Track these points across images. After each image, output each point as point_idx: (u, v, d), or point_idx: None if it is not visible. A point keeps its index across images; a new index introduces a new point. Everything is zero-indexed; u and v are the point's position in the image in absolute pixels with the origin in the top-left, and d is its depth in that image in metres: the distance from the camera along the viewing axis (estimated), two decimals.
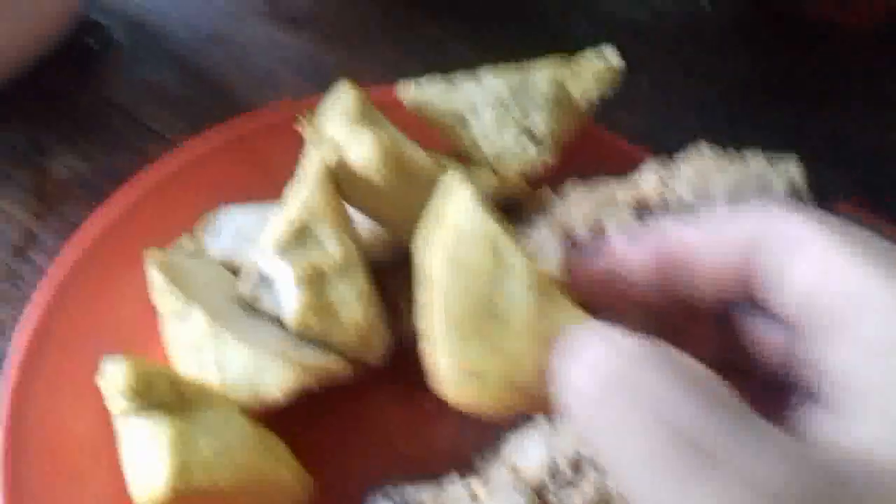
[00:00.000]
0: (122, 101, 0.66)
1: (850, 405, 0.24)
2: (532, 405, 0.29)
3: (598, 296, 0.31)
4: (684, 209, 0.46)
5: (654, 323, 0.32)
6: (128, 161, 0.58)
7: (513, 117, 0.50)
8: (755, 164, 0.48)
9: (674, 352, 0.25)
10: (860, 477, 0.22)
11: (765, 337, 0.31)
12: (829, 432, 0.24)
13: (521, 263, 0.27)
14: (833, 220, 0.27)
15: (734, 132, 0.53)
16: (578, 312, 0.27)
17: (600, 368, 0.25)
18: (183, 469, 0.38)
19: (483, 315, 0.27)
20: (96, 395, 0.41)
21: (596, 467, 0.43)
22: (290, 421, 0.46)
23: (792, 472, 0.22)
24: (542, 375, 0.27)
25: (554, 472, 0.42)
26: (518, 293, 0.27)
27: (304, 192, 0.43)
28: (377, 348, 0.46)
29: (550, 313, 0.27)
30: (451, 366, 0.28)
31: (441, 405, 0.50)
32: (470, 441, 0.49)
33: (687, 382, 0.24)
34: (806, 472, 0.22)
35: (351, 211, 0.47)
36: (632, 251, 0.31)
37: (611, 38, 0.55)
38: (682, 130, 0.52)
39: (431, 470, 0.45)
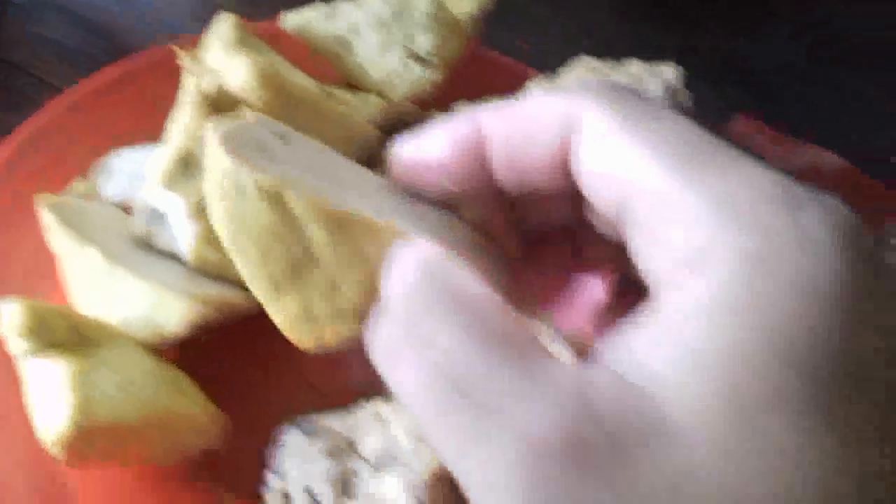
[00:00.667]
0: (18, 59, 0.64)
1: (659, 328, 0.21)
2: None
3: (414, 185, 0.29)
4: None
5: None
6: (28, 117, 0.57)
7: (396, 39, 0.51)
8: (634, 69, 0.49)
9: (458, 275, 0.24)
10: (631, 415, 0.20)
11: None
12: (629, 353, 0.21)
13: (300, 205, 0.26)
14: (645, 108, 0.25)
15: (627, 52, 0.53)
16: (378, 230, 0.27)
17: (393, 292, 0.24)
18: (85, 405, 0.38)
19: (292, 266, 0.27)
20: None
21: None
22: (201, 359, 0.47)
23: (557, 416, 0.20)
24: (357, 298, 0.27)
25: None
26: (312, 232, 0.27)
27: (183, 120, 0.43)
28: None
29: (351, 239, 0.27)
30: (283, 320, 0.29)
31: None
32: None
33: (463, 316, 0.22)
34: (571, 416, 0.20)
35: None
36: (435, 137, 0.28)
37: None
38: (572, 51, 0.53)
39: (345, 402, 0.45)
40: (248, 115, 0.30)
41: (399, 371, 0.23)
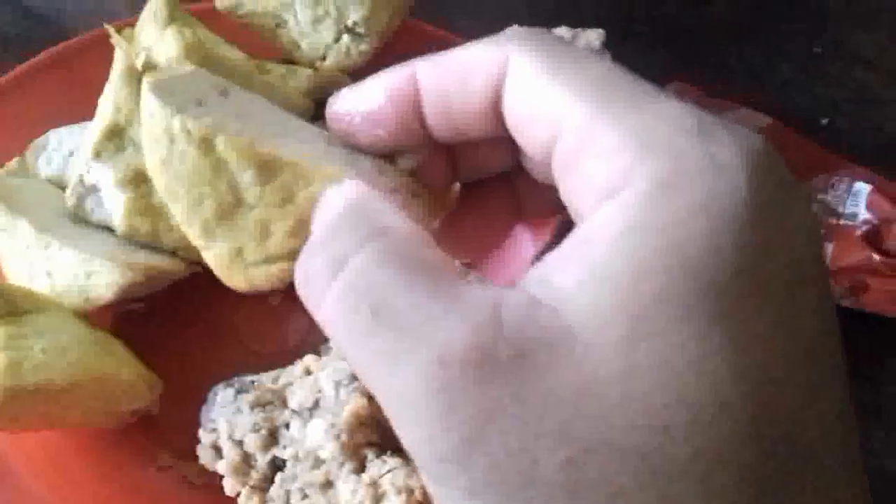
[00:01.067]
0: None
1: (572, 251, 0.22)
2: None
3: (351, 137, 0.29)
4: None
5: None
6: None
7: (328, 12, 0.51)
8: (560, 33, 0.50)
9: (380, 207, 0.25)
10: (535, 328, 0.21)
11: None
12: (542, 277, 0.22)
13: (230, 150, 0.28)
14: (569, 52, 0.25)
15: (562, 22, 0.54)
16: (308, 174, 0.28)
17: (319, 230, 0.25)
18: (13, 368, 0.39)
19: (223, 210, 0.28)
20: None
21: None
22: (142, 329, 0.48)
23: (468, 334, 0.21)
24: (288, 240, 0.28)
25: None
26: (242, 177, 0.28)
27: (112, 94, 0.44)
28: None
29: (282, 184, 0.28)
30: (216, 263, 0.30)
31: (287, 302, 0.52)
32: (319, 336, 0.51)
33: (381, 241, 0.23)
34: (481, 333, 0.21)
35: None
36: (370, 89, 0.29)
37: None
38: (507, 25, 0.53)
39: (282, 365, 0.46)
40: (187, 68, 0.31)
41: (320, 298, 0.23)
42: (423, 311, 0.21)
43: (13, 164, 0.50)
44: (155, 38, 0.46)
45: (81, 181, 0.45)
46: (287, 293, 0.51)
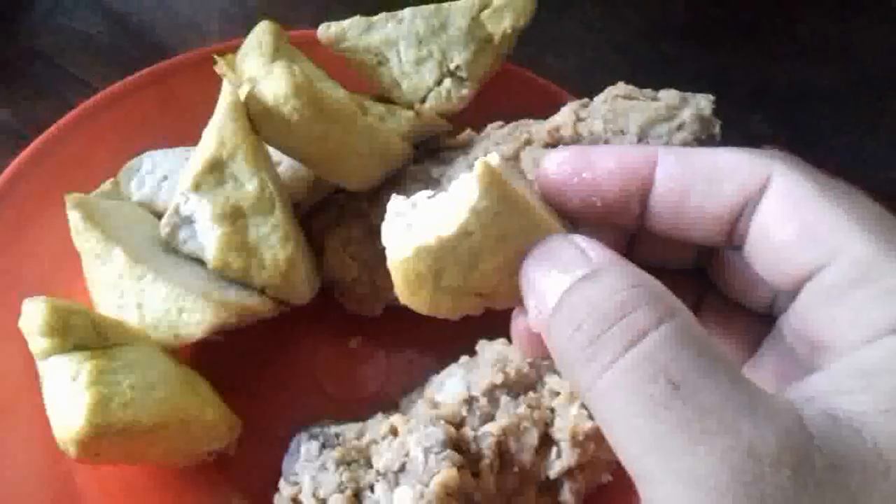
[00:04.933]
0: (47, 50, 0.65)
1: (852, 379, 0.23)
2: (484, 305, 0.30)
3: (559, 196, 0.29)
4: (595, 143, 0.47)
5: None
6: (53, 109, 0.57)
7: (431, 54, 0.50)
8: (668, 98, 0.49)
9: (657, 284, 0.25)
10: (844, 447, 0.22)
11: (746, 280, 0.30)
12: (825, 395, 0.23)
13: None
14: (829, 178, 0.26)
15: (661, 76, 0.53)
16: (537, 224, 0.28)
17: (592, 296, 0.24)
18: (102, 405, 0.38)
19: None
20: (20, 338, 0.41)
21: (510, 395, 0.44)
22: (219, 364, 0.47)
23: (782, 435, 0.21)
24: (491, 277, 0.28)
25: (470, 403, 0.43)
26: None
27: (216, 126, 0.43)
28: (301, 288, 0.46)
29: (505, 221, 0.27)
30: (405, 273, 0.28)
31: (367, 346, 0.52)
32: (397, 382, 0.50)
33: (675, 321, 0.23)
34: (793, 437, 0.21)
35: (274, 154, 0.48)
36: (600, 155, 0.29)
37: None
38: (609, 74, 0.52)
39: (359, 412, 0.46)
40: None
41: (608, 364, 0.23)
42: (729, 398, 0.22)
43: (107, 185, 0.50)
44: (260, 71, 0.46)
45: (177, 211, 0.45)
46: (366, 337, 0.51)
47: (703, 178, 0.27)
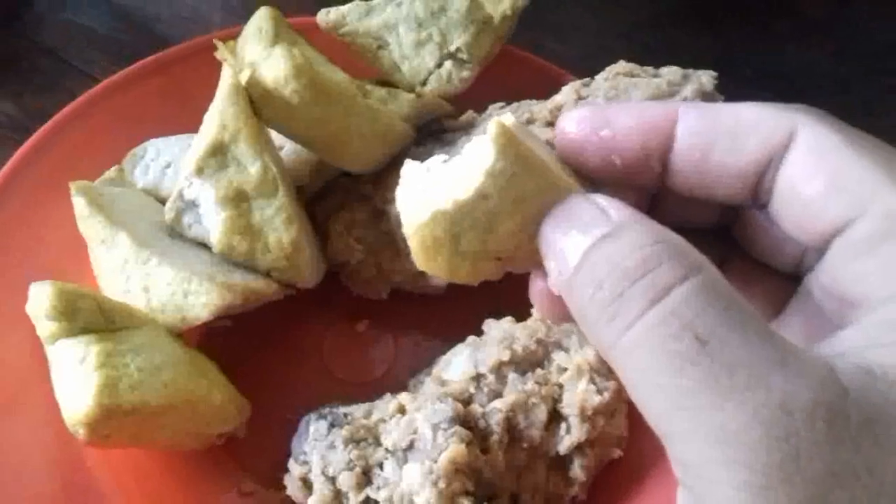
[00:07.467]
0: (49, 43, 0.65)
1: (882, 333, 0.23)
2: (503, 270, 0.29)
3: (577, 156, 0.29)
4: None
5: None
6: (57, 101, 0.57)
7: (431, 36, 0.50)
8: (670, 74, 0.49)
9: (682, 240, 0.24)
10: (880, 400, 0.21)
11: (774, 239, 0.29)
12: (857, 350, 0.23)
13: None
14: (854, 130, 0.26)
15: (663, 56, 0.53)
16: (552, 184, 0.27)
17: (613, 254, 0.24)
18: (110, 386, 0.38)
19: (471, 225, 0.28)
20: (28, 325, 0.41)
21: (517, 372, 0.44)
22: (228, 348, 0.47)
23: (816, 389, 0.21)
24: (509, 239, 0.27)
25: (478, 380, 0.43)
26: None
27: (217, 111, 0.43)
28: (306, 270, 0.46)
29: (522, 183, 0.26)
30: (422, 239, 0.28)
31: (374, 329, 0.52)
32: (404, 365, 0.50)
33: (701, 276, 0.23)
34: (827, 391, 0.21)
35: (277, 139, 0.48)
36: (618, 113, 0.28)
37: None
38: (612, 59, 0.52)
39: (366, 395, 0.46)
40: None
41: (632, 321, 0.23)
42: (758, 352, 0.22)
43: (112, 172, 0.50)
44: (260, 55, 0.46)
45: (181, 196, 0.45)
46: (373, 320, 0.51)
47: (725, 133, 0.27)
